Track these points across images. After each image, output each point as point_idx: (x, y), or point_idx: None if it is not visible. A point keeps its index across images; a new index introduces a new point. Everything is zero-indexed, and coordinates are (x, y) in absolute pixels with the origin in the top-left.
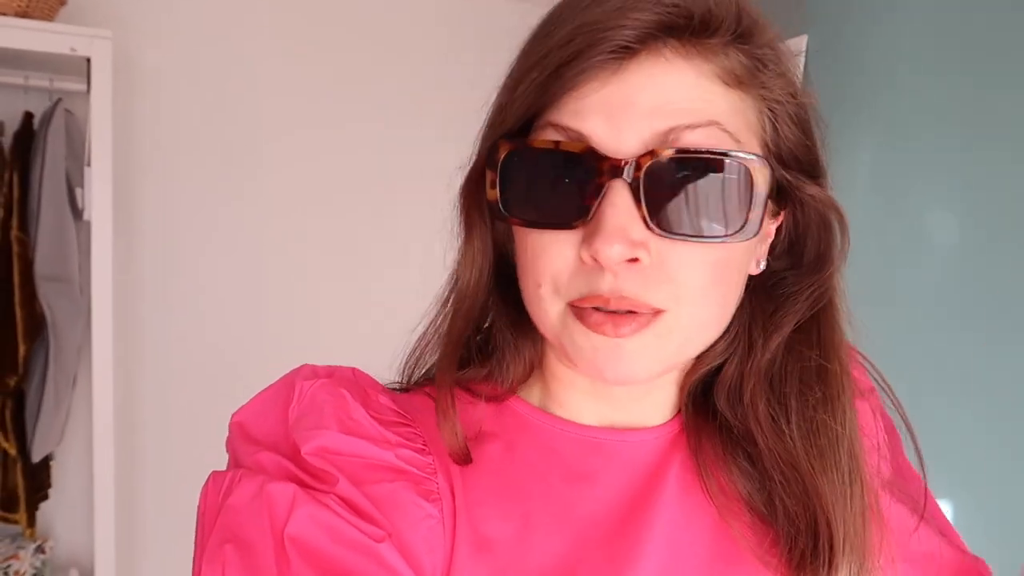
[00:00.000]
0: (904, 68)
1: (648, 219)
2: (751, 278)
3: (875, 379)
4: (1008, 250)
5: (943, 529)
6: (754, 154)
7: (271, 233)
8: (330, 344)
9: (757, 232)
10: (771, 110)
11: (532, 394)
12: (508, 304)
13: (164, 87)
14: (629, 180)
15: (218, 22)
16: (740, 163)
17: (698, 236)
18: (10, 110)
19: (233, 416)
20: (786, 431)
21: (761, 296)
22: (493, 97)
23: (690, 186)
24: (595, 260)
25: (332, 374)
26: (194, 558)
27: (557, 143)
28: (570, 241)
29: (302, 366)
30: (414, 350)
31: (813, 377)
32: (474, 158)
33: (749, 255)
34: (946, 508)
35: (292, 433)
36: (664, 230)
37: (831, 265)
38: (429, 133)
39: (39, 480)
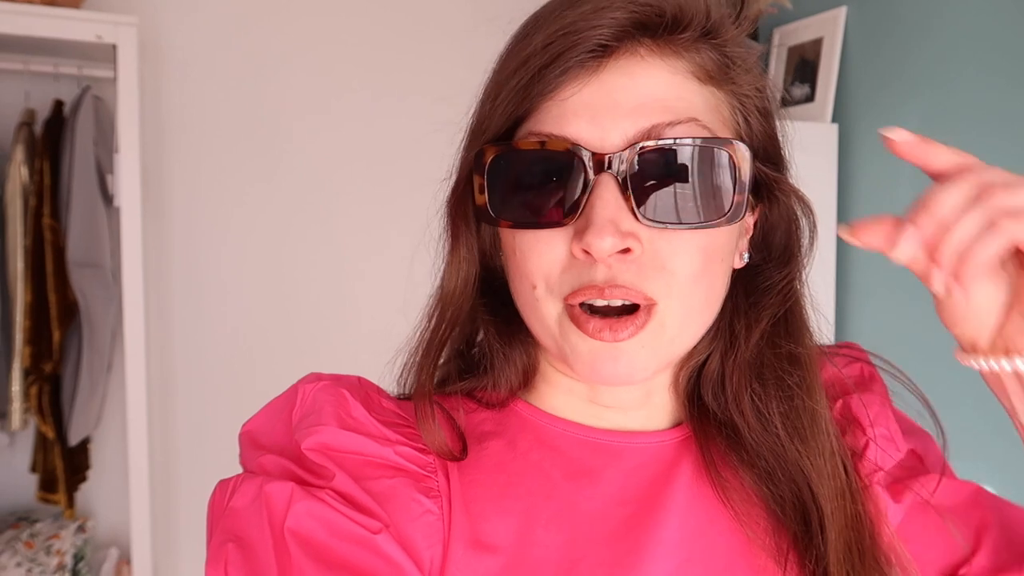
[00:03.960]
0: (954, 54)
1: (636, 210)
2: (734, 272)
3: (881, 366)
4: None
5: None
6: (736, 139)
7: (299, 216)
8: (359, 326)
9: (742, 216)
10: (742, 104)
11: (534, 398)
12: (496, 315)
13: (191, 72)
14: (616, 173)
15: (243, 5)
16: (723, 149)
17: (687, 224)
18: (40, 98)
19: (242, 426)
20: (769, 418)
21: (740, 290)
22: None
23: (675, 176)
24: (587, 253)
25: (337, 379)
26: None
27: (543, 143)
28: (560, 237)
29: (308, 374)
30: (407, 361)
31: (787, 363)
32: (456, 169)
33: (733, 244)
34: None
35: (294, 433)
36: (653, 220)
37: (798, 257)
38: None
39: (77, 462)
